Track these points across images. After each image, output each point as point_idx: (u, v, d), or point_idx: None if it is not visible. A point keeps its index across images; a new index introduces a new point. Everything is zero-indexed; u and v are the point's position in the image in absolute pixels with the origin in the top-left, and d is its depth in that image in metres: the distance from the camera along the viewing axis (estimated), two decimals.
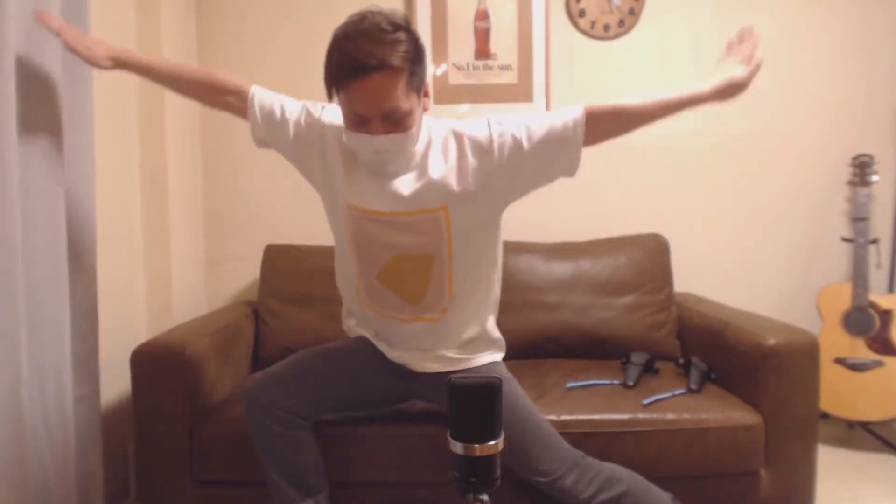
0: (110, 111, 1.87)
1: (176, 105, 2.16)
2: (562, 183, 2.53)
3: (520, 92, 2.41)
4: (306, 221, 2.44)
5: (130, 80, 2.00)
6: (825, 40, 2.45)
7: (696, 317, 2.07)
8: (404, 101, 1.21)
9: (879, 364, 2.23)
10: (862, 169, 2.35)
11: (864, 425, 2.29)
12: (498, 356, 1.57)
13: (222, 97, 1.48)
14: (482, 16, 2.39)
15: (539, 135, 1.31)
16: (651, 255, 2.22)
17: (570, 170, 1.35)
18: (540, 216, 2.39)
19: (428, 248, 1.38)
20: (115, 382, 1.84)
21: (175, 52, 2.18)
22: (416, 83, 1.24)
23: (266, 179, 2.44)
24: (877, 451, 2.25)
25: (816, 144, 2.48)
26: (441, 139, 1.35)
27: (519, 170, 1.33)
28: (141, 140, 2.03)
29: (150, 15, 2.04)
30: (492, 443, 0.78)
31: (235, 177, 2.44)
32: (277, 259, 2.23)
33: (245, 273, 2.44)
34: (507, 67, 2.41)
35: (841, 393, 2.24)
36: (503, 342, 1.58)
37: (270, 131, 1.44)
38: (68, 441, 1.49)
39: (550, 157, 1.33)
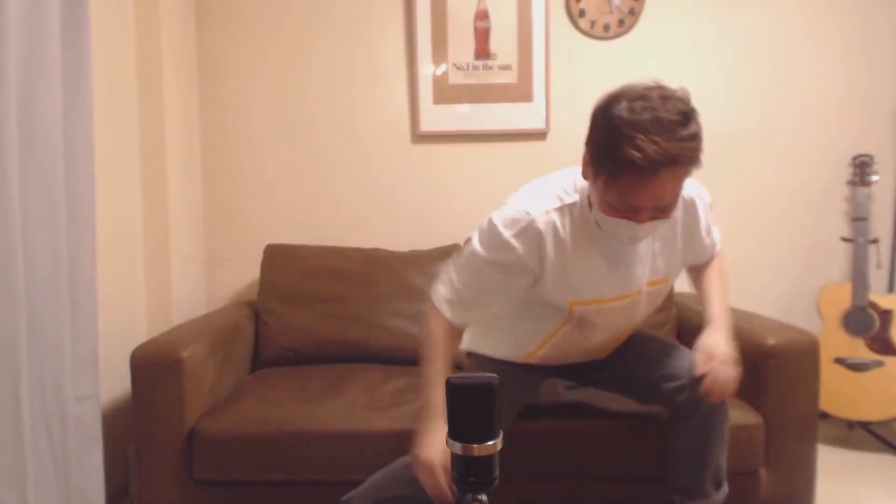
0: (110, 111, 1.87)
1: (176, 104, 2.16)
2: None
3: (520, 92, 2.41)
4: (306, 221, 2.45)
5: (130, 79, 2.00)
6: (825, 40, 2.45)
7: (696, 317, 2.07)
8: (680, 191, 1.16)
9: (879, 364, 2.22)
10: (862, 169, 2.35)
11: (864, 425, 2.29)
12: None
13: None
14: (482, 16, 2.39)
15: (705, 240, 1.46)
16: None
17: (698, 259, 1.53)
18: None
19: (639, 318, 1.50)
20: (116, 382, 1.84)
21: (175, 52, 2.18)
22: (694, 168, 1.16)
23: (266, 179, 2.45)
24: (877, 451, 2.25)
25: (816, 144, 2.48)
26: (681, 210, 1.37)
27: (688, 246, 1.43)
28: (141, 140, 2.03)
29: (150, 15, 2.04)
30: (490, 443, 0.78)
31: (235, 177, 2.45)
32: (277, 259, 2.23)
33: (245, 273, 2.45)
34: (507, 67, 2.41)
35: (841, 393, 2.24)
36: None
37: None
38: (68, 441, 1.49)
39: (693, 248, 1.46)
